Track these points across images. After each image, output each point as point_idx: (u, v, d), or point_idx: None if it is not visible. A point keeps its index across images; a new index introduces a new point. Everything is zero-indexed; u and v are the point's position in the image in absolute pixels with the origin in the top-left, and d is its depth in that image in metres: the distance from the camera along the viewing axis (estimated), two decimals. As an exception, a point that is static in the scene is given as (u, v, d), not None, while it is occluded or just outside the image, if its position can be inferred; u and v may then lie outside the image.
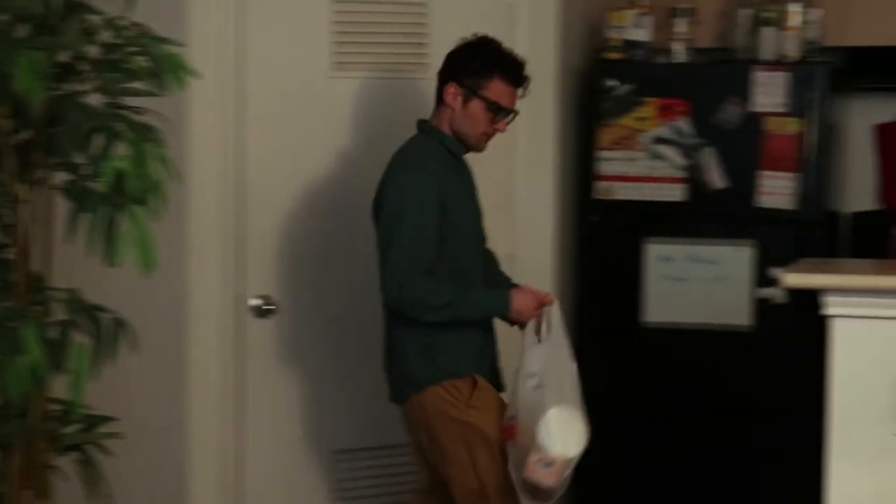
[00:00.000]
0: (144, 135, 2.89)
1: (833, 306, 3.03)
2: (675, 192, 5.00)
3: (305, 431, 4.57)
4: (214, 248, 4.31)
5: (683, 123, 4.97)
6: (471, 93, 3.94)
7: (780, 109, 4.90)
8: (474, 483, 3.89)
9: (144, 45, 2.97)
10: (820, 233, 4.92)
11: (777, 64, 4.96)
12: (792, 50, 4.99)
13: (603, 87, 5.04)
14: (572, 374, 3.88)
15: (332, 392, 4.58)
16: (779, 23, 5.01)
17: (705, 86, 4.99)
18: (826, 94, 4.90)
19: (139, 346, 3.08)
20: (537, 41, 4.87)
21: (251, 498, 4.44)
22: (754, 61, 5.00)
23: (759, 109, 4.92)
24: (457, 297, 3.91)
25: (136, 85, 2.96)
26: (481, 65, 3.96)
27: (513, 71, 4.01)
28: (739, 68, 5.00)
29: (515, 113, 4.04)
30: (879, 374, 3.02)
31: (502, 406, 3.94)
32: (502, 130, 4.04)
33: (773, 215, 4.92)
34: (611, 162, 5.04)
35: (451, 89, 3.97)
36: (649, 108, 5.00)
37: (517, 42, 4.80)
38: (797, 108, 4.89)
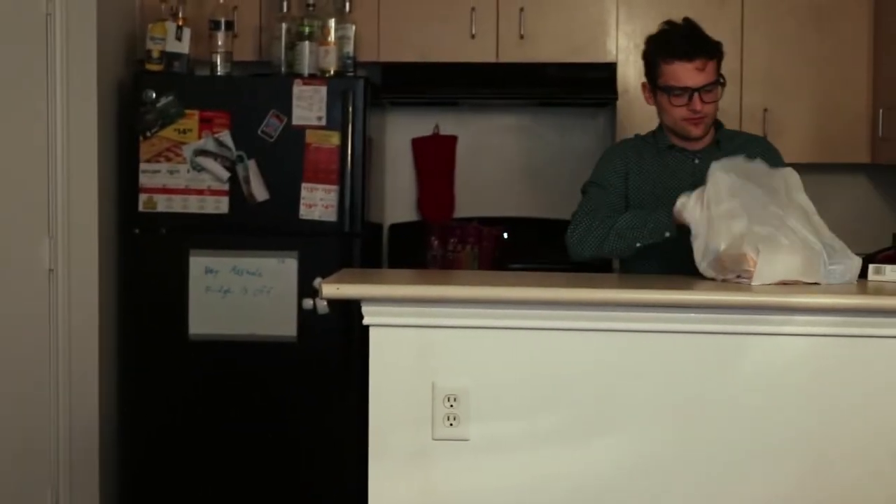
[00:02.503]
0: None
1: (370, 315, 3.08)
2: (218, 205, 5.00)
3: None
4: None
5: (225, 136, 4.98)
6: (653, 87, 3.90)
7: (320, 123, 4.98)
8: None
9: None
10: (361, 244, 5.04)
11: (316, 78, 5.05)
12: (330, 64, 5.10)
13: (144, 98, 4.98)
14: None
15: None
16: (317, 37, 5.11)
17: (246, 99, 5.02)
18: (363, 108, 5.02)
19: None
20: (75, 52, 4.77)
21: None
22: (294, 75, 5.08)
23: (299, 122, 4.99)
24: (613, 223, 3.76)
25: None
26: (648, 59, 3.91)
27: (671, 48, 3.84)
28: (280, 82, 5.06)
29: (709, 85, 3.81)
30: (417, 379, 3.10)
31: None
32: (699, 108, 3.81)
33: (316, 227, 5.00)
34: (153, 174, 4.99)
35: (645, 93, 3.96)
36: (191, 121, 4.98)
37: (56, 53, 4.71)
38: (336, 121, 4.98)
